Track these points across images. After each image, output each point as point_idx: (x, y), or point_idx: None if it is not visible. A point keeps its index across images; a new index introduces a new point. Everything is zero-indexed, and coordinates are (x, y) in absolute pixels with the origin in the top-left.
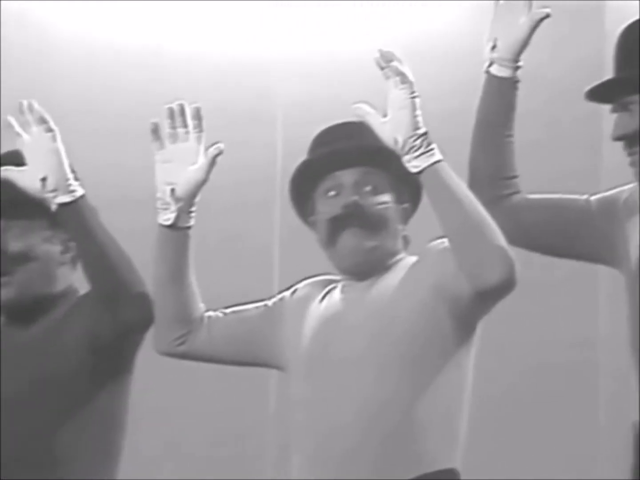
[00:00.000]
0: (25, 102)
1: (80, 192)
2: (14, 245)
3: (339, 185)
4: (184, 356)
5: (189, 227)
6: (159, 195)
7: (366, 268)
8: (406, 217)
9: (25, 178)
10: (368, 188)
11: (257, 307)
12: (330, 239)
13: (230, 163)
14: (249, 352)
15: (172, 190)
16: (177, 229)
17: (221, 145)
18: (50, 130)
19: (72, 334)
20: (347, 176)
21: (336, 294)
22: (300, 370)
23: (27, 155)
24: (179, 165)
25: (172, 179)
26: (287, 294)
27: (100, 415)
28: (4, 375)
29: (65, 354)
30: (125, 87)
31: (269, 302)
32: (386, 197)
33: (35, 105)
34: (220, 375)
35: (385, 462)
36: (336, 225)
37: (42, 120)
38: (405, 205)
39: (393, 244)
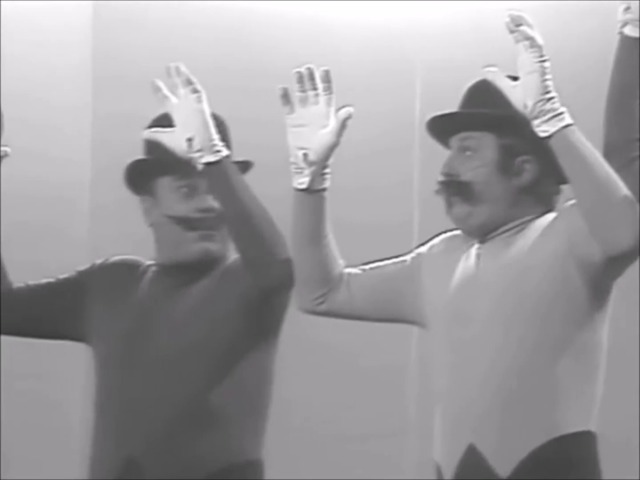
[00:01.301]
0: (172, 65)
1: (225, 152)
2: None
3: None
4: (325, 314)
5: (323, 189)
6: (292, 159)
7: (476, 233)
8: (530, 175)
9: (172, 139)
10: (468, 153)
11: (395, 263)
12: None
13: (370, 125)
14: (389, 309)
15: (305, 154)
16: (312, 192)
17: (350, 109)
18: (196, 91)
19: (226, 295)
20: (453, 141)
21: (473, 251)
22: (439, 328)
23: (175, 117)
24: (310, 129)
25: (304, 143)
26: (424, 249)
27: (251, 374)
28: (165, 331)
29: (219, 315)
30: (270, 52)
31: (407, 258)
32: (486, 160)
33: (182, 68)
34: (360, 330)
35: (518, 423)
36: (439, 192)
37: (189, 82)
38: (525, 162)
39: (504, 205)
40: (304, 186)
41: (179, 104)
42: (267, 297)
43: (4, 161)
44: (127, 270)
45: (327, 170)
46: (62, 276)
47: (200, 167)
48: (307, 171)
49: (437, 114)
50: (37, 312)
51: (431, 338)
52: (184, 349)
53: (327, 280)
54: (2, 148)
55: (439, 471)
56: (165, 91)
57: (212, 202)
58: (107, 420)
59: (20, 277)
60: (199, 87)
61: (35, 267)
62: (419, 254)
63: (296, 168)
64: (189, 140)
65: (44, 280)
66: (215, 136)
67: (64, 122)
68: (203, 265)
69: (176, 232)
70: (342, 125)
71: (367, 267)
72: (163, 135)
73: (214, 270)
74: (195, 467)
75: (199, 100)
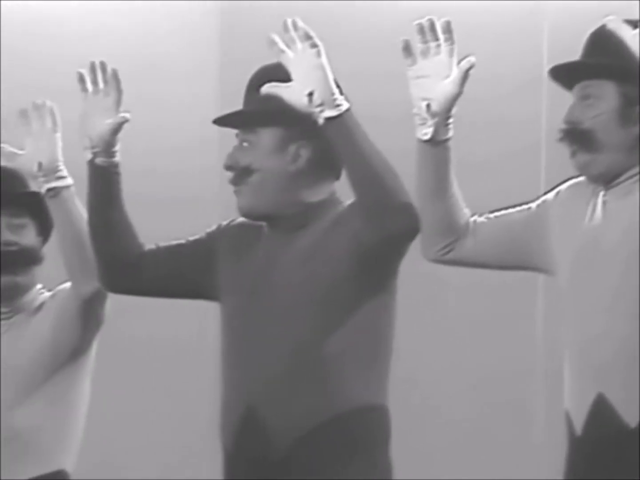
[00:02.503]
0: (289, 20)
1: (345, 105)
2: (244, 159)
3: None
4: (452, 263)
5: (447, 140)
6: (415, 110)
7: (599, 180)
8: None
9: (291, 93)
10: (589, 101)
11: (521, 211)
12: None
13: (497, 77)
14: (515, 256)
15: (428, 105)
16: (436, 142)
17: (472, 58)
18: (315, 45)
19: (338, 242)
20: (576, 90)
21: (599, 198)
22: (565, 275)
23: (293, 71)
24: (433, 79)
25: (426, 94)
26: (550, 196)
27: (366, 324)
28: (271, 284)
29: (332, 263)
30: (390, 5)
31: (533, 205)
32: (607, 108)
33: (299, 23)
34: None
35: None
36: (561, 140)
37: (307, 37)
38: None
39: (625, 153)
40: (427, 137)
41: (296, 59)
42: (387, 243)
43: (135, 128)
44: (250, 229)
45: (450, 121)
46: (192, 238)
47: (321, 121)
48: (430, 122)
49: (558, 64)
50: (170, 273)
51: (557, 284)
52: (298, 298)
53: (454, 229)
54: (122, 114)
55: (568, 418)
56: (282, 45)
57: (231, 160)
58: (230, 372)
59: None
60: (317, 41)
61: (167, 233)
62: (545, 201)
63: (420, 119)
64: (310, 95)
65: (174, 242)
66: (336, 90)
67: (191, 84)
68: (293, 217)
69: None
70: (465, 75)
71: (492, 215)
72: (282, 90)
73: (320, 217)
74: (310, 414)
75: (318, 54)
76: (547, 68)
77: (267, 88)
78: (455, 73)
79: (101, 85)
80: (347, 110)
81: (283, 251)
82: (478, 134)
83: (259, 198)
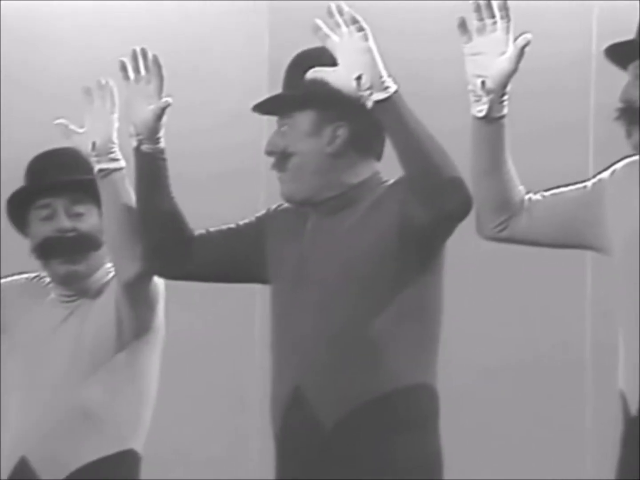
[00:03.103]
0: (333, 4)
1: (393, 87)
2: (281, 143)
3: None
4: (506, 241)
5: (502, 117)
6: (470, 87)
7: None
8: None
9: (339, 78)
10: None
11: (576, 189)
12: None
13: (545, 52)
14: (570, 234)
15: (483, 82)
16: (491, 119)
17: (529, 35)
18: (361, 29)
19: (382, 221)
20: (631, 68)
21: None
22: (622, 256)
23: (339, 56)
24: (488, 56)
25: (482, 71)
26: (605, 175)
27: (410, 304)
28: (315, 266)
29: (375, 242)
30: None
31: (589, 184)
32: None
33: (345, 7)
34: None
35: None
36: (617, 119)
37: (353, 20)
38: None
39: None
40: (482, 114)
41: (342, 43)
42: (440, 223)
43: (176, 113)
44: (297, 213)
45: (505, 98)
46: (241, 222)
47: (370, 104)
48: (485, 99)
49: (613, 43)
50: (221, 257)
51: (613, 265)
52: (342, 279)
53: (509, 206)
54: (164, 99)
55: (623, 399)
56: (326, 30)
57: (270, 145)
58: (278, 353)
59: (201, 227)
60: (364, 24)
61: (215, 217)
62: (600, 180)
63: (474, 96)
64: (358, 78)
65: (225, 227)
66: (384, 72)
67: (238, 70)
68: (335, 199)
69: None
70: (520, 52)
71: (547, 193)
72: (328, 75)
73: (363, 197)
74: (356, 393)
75: (365, 38)
76: (595, 48)
77: (313, 73)
78: (511, 50)
79: (143, 72)
80: (396, 92)
81: (327, 233)
82: (527, 110)
83: (300, 182)
